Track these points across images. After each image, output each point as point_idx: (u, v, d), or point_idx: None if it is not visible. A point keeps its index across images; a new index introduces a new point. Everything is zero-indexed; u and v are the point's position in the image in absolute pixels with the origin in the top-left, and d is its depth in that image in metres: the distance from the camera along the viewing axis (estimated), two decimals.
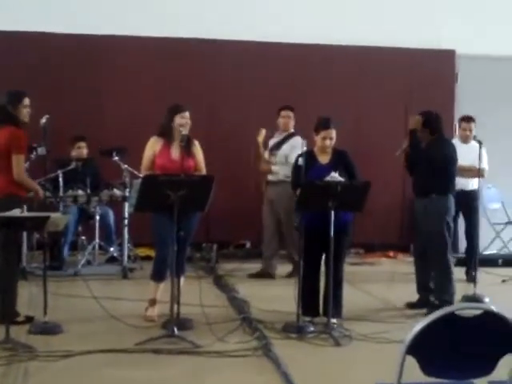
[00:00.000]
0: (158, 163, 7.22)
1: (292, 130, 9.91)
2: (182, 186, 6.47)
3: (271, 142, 9.99)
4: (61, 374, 5.71)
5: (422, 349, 3.13)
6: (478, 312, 3.16)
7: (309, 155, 7.26)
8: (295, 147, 9.08)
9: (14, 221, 6.28)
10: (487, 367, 3.27)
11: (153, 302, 7.43)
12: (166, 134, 7.29)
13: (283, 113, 9.94)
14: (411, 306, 8.06)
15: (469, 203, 9.09)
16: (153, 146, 7.30)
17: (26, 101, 7.17)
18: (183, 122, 7.23)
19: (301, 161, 7.09)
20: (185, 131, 7.13)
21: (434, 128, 7.97)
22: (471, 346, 3.18)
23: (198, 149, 7.39)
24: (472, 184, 9.33)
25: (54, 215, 6.47)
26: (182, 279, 7.28)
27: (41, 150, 6.91)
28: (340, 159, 7.31)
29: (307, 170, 7.10)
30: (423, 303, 7.95)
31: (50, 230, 6.67)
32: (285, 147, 9.72)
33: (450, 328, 3.12)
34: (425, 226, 7.98)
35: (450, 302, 7.54)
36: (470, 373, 3.30)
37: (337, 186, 6.75)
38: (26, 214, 6.40)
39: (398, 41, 11.64)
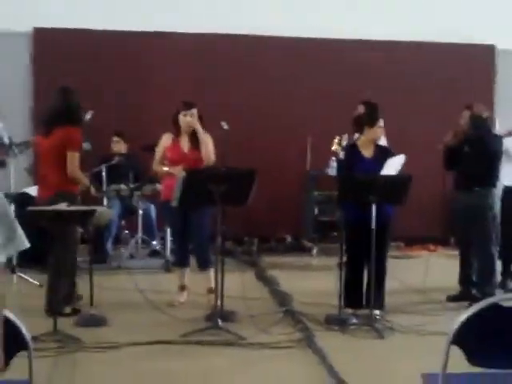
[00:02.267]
0: (169, 157, 7.65)
1: None
2: (224, 180, 6.57)
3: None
4: (109, 365, 5.82)
5: (467, 339, 3.18)
6: None
7: (352, 149, 7.32)
8: None
9: (60, 214, 6.41)
10: None
11: (181, 288, 7.81)
12: (175, 129, 7.70)
13: None
14: (453, 298, 8.07)
15: None
16: (164, 141, 7.72)
17: None
18: (185, 119, 7.61)
19: (342, 154, 7.14)
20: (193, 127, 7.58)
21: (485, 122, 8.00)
22: None
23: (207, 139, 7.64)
24: None
25: (99, 209, 6.59)
26: (212, 271, 7.48)
27: (86, 146, 7.03)
28: (382, 154, 7.35)
29: (353, 163, 7.17)
30: (465, 296, 7.97)
31: (96, 223, 6.79)
32: None
33: (495, 318, 3.16)
34: (469, 218, 7.99)
35: (492, 294, 7.54)
36: None
37: (378, 179, 6.80)
38: (72, 207, 6.54)
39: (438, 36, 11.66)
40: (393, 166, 7.18)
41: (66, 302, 7.16)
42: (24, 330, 3.29)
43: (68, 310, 7.16)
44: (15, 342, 3.26)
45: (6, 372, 3.14)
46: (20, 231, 3.09)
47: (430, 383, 3.51)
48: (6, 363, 3.16)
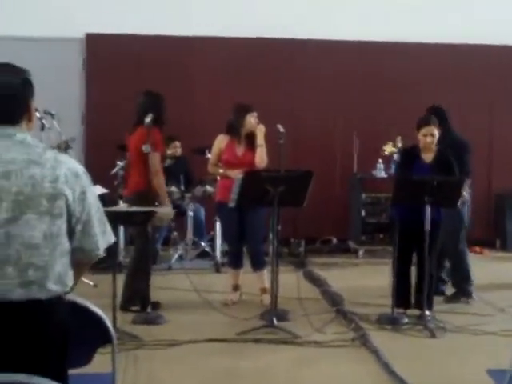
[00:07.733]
0: (224, 159, 7.70)
1: None
2: (282, 182, 6.71)
3: None
4: (169, 362, 5.96)
5: None
6: None
7: (412, 152, 7.34)
8: None
9: (121, 215, 6.56)
10: None
11: (234, 288, 7.95)
12: (234, 131, 7.72)
13: None
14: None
15: None
16: (219, 143, 7.77)
17: None
18: (255, 121, 7.66)
19: (396, 156, 7.20)
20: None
21: None
22: None
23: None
24: None
25: (161, 210, 6.71)
26: (265, 272, 7.68)
27: (145, 148, 7.14)
28: (442, 158, 7.32)
29: (410, 167, 7.23)
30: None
31: (157, 224, 6.93)
32: None
33: None
34: None
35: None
36: None
37: (432, 181, 6.87)
38: (133, 208, 6.69)
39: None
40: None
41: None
42: (109, 324, 3.42)
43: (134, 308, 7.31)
44: (99, 335, 3.40)
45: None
46: (109, 226, 3.20)
47: (498, 380, 3.60)
48: (91, 357, 3.32)
